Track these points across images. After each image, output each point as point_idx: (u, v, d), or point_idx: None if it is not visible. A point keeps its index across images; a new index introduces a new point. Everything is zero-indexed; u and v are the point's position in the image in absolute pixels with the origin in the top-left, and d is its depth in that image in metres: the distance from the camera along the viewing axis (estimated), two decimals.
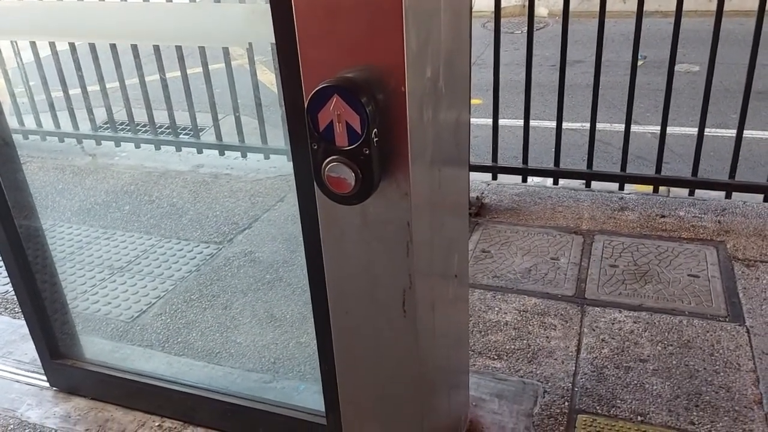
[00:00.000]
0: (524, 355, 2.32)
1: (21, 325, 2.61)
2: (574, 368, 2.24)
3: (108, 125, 4.60)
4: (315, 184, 1.28)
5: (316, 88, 1.18)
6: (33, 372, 2.38)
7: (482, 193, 3.42)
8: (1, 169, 1.99)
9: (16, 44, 4.61)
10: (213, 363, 2.40)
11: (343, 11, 1.17)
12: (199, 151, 4.41)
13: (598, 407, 2.07)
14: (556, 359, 2.28)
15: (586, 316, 2.50)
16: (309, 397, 2.13)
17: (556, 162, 3.41)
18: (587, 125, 3.34)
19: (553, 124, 3.43)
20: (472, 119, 3.24)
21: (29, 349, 2.43)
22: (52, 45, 4.30)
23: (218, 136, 4.37)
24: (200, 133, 4.51)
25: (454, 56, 1.51)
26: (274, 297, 2.83)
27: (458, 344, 1.95)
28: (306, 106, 1.21)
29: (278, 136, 4.22)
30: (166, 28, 1.47)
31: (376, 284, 1.42)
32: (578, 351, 2.31)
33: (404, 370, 1.52)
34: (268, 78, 5.45)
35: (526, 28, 3.22)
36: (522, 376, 2.21)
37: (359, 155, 1.20)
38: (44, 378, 2.32)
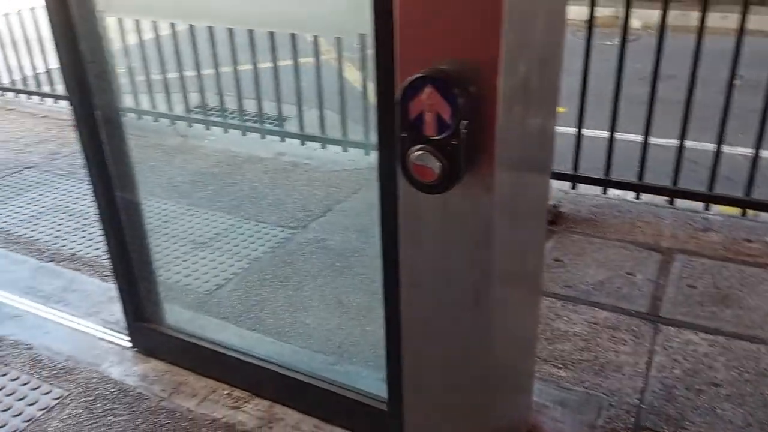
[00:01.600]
0: (591, 366, 2.28)
1: (109, 288, 2.80)
2: (642, 385, 2.18)
3: (200, 109, 4.82)
4: (400, 172, 1.32)
5: (411, 78, 1.22)
6: (117, 332, 2.54)
7: (559, 201, 3.37)
8: (109, 143, 2.14)
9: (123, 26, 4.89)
10: (281, 340, 2.49)
11: (443, 5, 1.20)
12: (282, 140, 4.55)
13: (664, 426, 2.01)
14: (624, 374, 2.23)
15: (659, 334, 2.43)
16: (371, 383, 2.18)
17: (640, 176, 3.32)
18: (674, 141, 3.24)
19: (638, 138, 3.34)
20: (556, 127, 3.20)
21: (115, 311, 2.60)
22: (156, 29, 4.55)
23: (301, 126, 4.50)
24: (284, 123, 4.66)
25: (548, 59, 1.52)
26: (342, 284, 2.90)
27: (526, 347, 1.94)
28: (398, 95, 1.25)
29: (358, 130, 4.30)
30: (273, 13, 1.55)
31: (451, 276, 1.45)
32: (648, 368, 2.26)
33: (472, 365, 1.53)
34: (353, 75, 5.55)
35: (618, 39, 3.16)
36: (587, 388, 2.18)
37: (447, 146, 1.23)
38: (127, 339, 2.47)
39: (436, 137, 1.23)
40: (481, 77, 1.21)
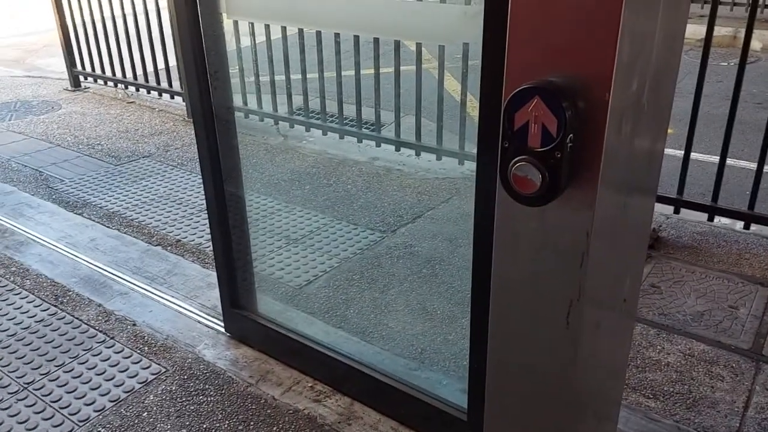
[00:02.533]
0: (683, 400, 2.17)
1: (208, 275, 2.96)
2: (738, 425, 2.05)
3: (302, 111, 5.01)
4: (498, 182, 1.33)
5: (518, 88, 1.22)
6: (213, 317, 2.68)
7: (660, 225, 3.24)
8: (221, 139, 2.27)
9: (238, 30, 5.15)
10: (365, 340, 2.53)
11: (557, 18, 1.20)
12: (378, 145, 4.64)
13: None
14: (718, 411, 2.11)
15: (760, 373, 2.28)
16: (451, 392, 2.18)
17: (751, 205, 3.12)
18: None
19: (752, 165, 3.15)
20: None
21: (212, 297, 2.75)
22: (267, 32, 4.76)
23: (397, 133, 4.57)
24: (381, 129, 4.75)
25: (661, 78, 1.47)
26: (428, 291, 2.91)
27: (614, 374, 1.88)
28: (505, 104, 1.25)
29: (452, 140, 4.31)
30: (386, 22, 1.60)
31: (543, 291, 1.43)
32: (746, 408, 2.12)
33: (557, 386, 1.50)
34: (453, 85, 5.57)
35: (735, 60, 3.00)
36: (677, 421, 2.08)
37: (550, 158, 1.22)
38: (221, 324, 2.61)
39: (540, 149, 1.23)
40: (591, 92, 1.19)
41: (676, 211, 3.29)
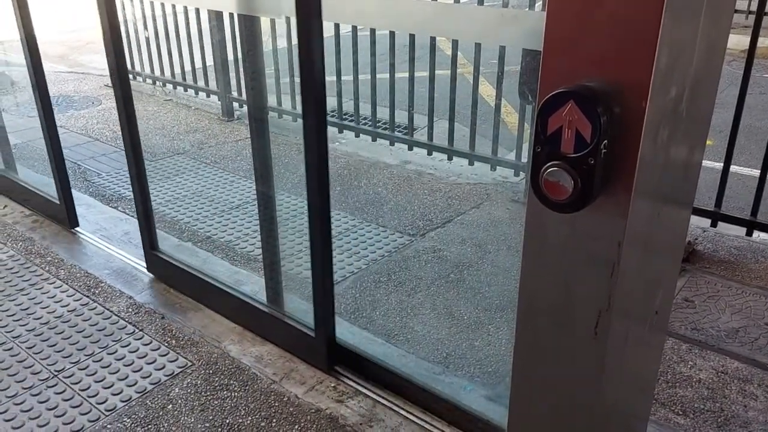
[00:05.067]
0: (714, 418, 2.11)
1: (236, 272, 2.99)
2: None
3: (335, 113, 5.03)
4: (530, 187, 1.31)
5: (553, 92, 1.20)
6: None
7: (696, 238, 3.16)
8: (254, 138, 2.28)
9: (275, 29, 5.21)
10: (390, 342, 2.53)
11: (594, 22, 1.17)
12: (410, 148, 4.64)
13: None
14: (750, 431, 2.05)
15: None
16: (475, 398, 2.16)
17: None
18: None
19: None
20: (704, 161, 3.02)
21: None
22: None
23: (430, 137, 4.56)
24: (414, 132, 4.75)
25: (701, 87, 1.44)
26: (454, 296, 2.89)
27: (643, 387, 1.84)
28: (538, 108, 1.24)
29: (486, 145, 4.29)
30: (438, 22, 1.65)
31: (571, 300, 1.40)
32: None
33: (582, 396, 1.47)
34: (487, 90, 5.54)
35: None
36: None
37: (583, 164, 1.20)
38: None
39: (573, 154, 1.20)
40: (628, 98, 1.17)
41: (714, 225, 3.21)
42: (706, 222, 3.22)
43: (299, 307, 2.61)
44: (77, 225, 3.41)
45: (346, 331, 2.52)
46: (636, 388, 1.74)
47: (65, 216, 3.36)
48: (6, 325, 2.66)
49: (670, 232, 1.58)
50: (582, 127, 1.19)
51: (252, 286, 2.72)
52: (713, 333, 2.53)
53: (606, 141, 1.19)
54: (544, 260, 1.39)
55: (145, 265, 3.02)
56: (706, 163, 3.75)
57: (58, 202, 3.35)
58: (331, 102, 5.01)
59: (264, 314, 2.53)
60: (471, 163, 4.34)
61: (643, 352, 1.70)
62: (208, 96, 5.77)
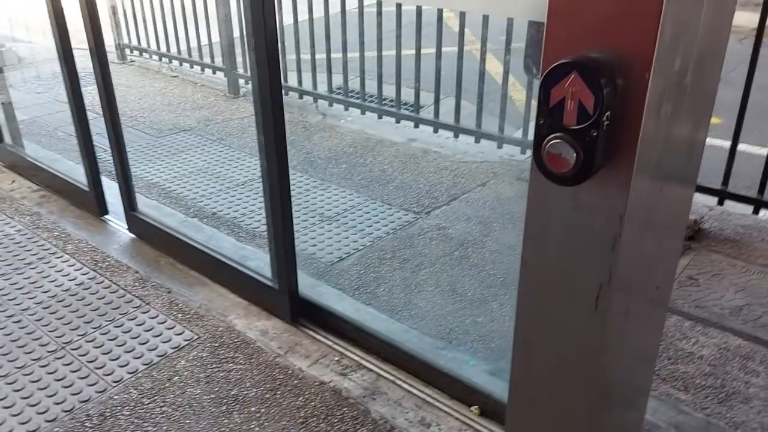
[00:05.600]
0: (715, 394, 2.12)
1: (242, 247, 3.02)
2: None
3: (341, 90, 5.01)
4: (532, 160, 1.30)
5: (555, 63, 1.19)
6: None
7: (702, 217, 3.15)
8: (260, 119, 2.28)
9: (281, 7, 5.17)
10: (393, 318, 2.54)
11: None
12: (416, 126, 4.62)
13: None
14: (752, 407, 2.06)
15: None
16: (476, 373, 2.18)
17: None
18: None
19: None
20: (707, 139, 2.99)
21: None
22: (310, 11, 4.77)
23: (436, 114, 4.54)
24: (420, 110, 4.72)
25: (705, 61, 1.42)
26: (459, 273, 2.90)
27: (644, 362, 1.85)
28: (541, 79, 1.23)
29: (493, 123, 4.26)
30: None
31: (572, 273, 1.41)
32: None
33: (582, 369, 1.48)
34: (495, 67, 5.49)
35: None
36: (708, 415, 2.04)
37: (585, 136, 1.20)
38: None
39: (575, 126, 1.20)
40: (631, 70, 1.16)
41: (720, 203, 3.20)
42: (713, 200, 3.20)
43: (304, 283, 2.63)
44: (107, 213, 3.31)
45: (350, 307, 2.55)
46: (636, 361, 1.75)
47: (94, 203, 3.28)
48: (14, 298, 2.69)
49: (672, 208, 1.57)
50: (585, 98, 1.18)
51: (257, 261, 2.73)
52: (717, 311, 2.54)
53: (609, 113, 1.18)
54: (545, 233, 1.40)
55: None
56: (714, 141, 3.73)
57: (87, 189, 3.29)
58: (337, 79, 5.00)
59: (269, 289, 2.55)
60: (477, 141, 4.32)
61: (644, 327, 1.71)
62: (214, 72, 5.75)
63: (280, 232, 2.39)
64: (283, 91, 5.17)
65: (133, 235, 3.13)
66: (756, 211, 3.14)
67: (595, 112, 1.17)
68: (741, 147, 3.17)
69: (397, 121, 4.71)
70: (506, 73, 4.14)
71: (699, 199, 3.22)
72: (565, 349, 1.49)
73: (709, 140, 1.63)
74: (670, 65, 1.23)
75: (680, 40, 1.23)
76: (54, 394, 2.19)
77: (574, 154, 1.21)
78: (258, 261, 2.73)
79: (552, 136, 1.23)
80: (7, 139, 3.87)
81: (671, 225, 1.63)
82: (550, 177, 1.27)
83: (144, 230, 3.06)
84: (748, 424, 2.00)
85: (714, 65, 1.49)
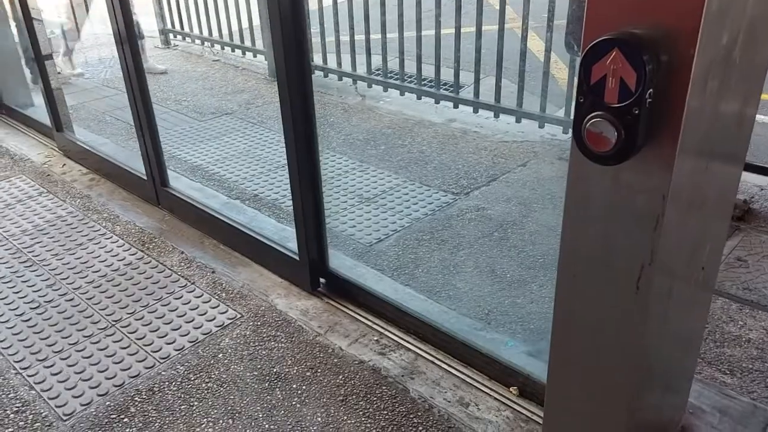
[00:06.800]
0: (763, 378, 2.07)
1: (282, 228, 3.05)
2: None
3: (380, 71, 5.00)
4: (572, 139, 1.28)
5: (596, 40, 1.17)
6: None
7: (752, 197, 3.04)
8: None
9: None
10: (432, 299, 2.55)
11: None
12: (455, 106, 4.58)
13: None
14: None
15: None
16: (515, 354, 2.17)
17: None
18: None
19: None
20: (759, 116, 2.88)
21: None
22: None
23: (476, 94, 4.49)
24: (460, 90, 4.68)
25: (758, 30, 1.37)
26: (498, 254, 2.89)
27: (688, 345, 1.81)
28: (582, 57, 1.20)
29: (534, 102, 4.19)
30: None
31: (613, 253, 1.38)
32: None
33: (622, 352, 1.46)
34: (537, 45, 5.38)
35: None
36: (755, 399, 1.99)
37: (627, 114, 1.17)
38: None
39: (617, 104, 1.17)
40: (675, 46, 1.12)
41: None
42: (765, 180, 3.09)
43: (344, 263, 2.67)
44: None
45: (388, 287, 2.56)
46: (680, 344, 1.72)
47: (153, 195, 3.30)
48: (67, 277, 2.80)
49: (718, 187, 1.53)
50: (627, 75, 1.15)
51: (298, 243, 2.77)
52: (766, 293, 2.46)
53: (651, 90, 1.15)
54: (586, 213, 1.38)
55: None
56: (764, 117, 3.58)
57: (144, 177, 3.29)
58: (375, 60, 4.99)
59: (294, 262, 2.59)
60: (518, 121, 4.26)
61: (688, 309, 1.67)
62: (255, 56, 5.80)
63: (299, 204, 2.49)
64: (323, 73, 5.21)
65: (179, 218, 3.21)
66: None
67: (638, 90, 1.14)
68: None
69: (437, 102, 4.68)
70: (548, 51, 4.06)
71: (749, 178, 3.12)
72: (606, 331, 1.47)
73: (761, 117, 1.57)
74: (717, 39, 1.18)
75: (728, 12, 1.19)
76: (105, 370, 2.28)
77: (615, 133, 1.18)
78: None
79: (593, 114, 1.21)
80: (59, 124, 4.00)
81: (717, 205, 1.59)
82: (591, 156, 1.25)
83: (188, 212, 3.14)
84: None
85: (767, 36, 1.43)
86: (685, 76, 1.14)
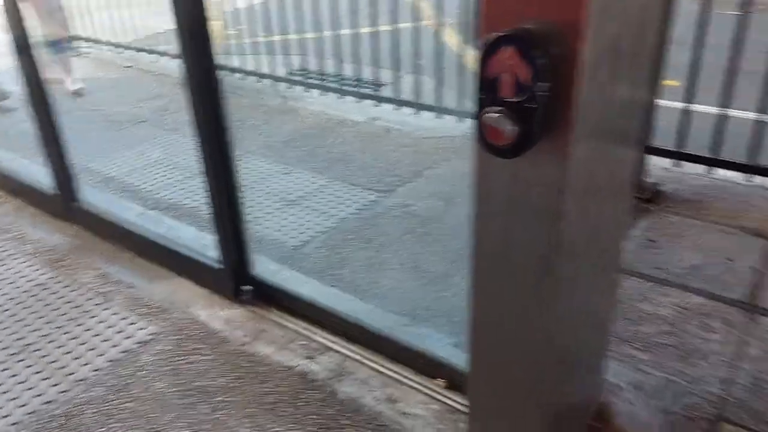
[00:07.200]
0: (674, 352, 2.17)
1: (203, 237, 2.96)
2: (729, 376, 2.05)
3: (301, 71, 4.95)
4: (475, 134, 1.30)
5: (491, 37, 1.18)
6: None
7: (660, 179, 3.19)
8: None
9: None
10: (358, 298, 2.55)
11: None
12: (377, 104, 4.59)
13: (747, 420, 1.89)
14: (710, 363, 2.11)
15: (754, 325, 2.27)
16: (442, 346, 2.19)
17: (751, 156, 3.06)
18: None
19: (762, 117, 3.08)
20: (667, 102, 3.02)
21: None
22: None
23: (397, 91, 4.51)
24: (380, 88, 4.69)
25: (645, 23, 1.42)
26: (422, 250, 2.91)
27: (598, 326, 1.88)
28: (479, 54, 1.22)
29: (453, 97, 4.25)
30: None
31: (516, 246, 1.41)
32: (738, 359, 2.12)
33: (536, 337, 1.50)
34: (453, 40, 5.46)
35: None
36: (667, 373, 2.08)
37: (522, 109, 1.19)
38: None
39: (512, 99, 1.20)
40: (564, 39, 1.15)
41: (676, 165, 3.24)
42: (670, 162, 3.25)
43: (267, 268, 2.62)
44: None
45: (315, 290, 2.54)
46: (591, 326, 1.78)
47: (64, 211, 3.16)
48: None
49: (617, 171, 1.59)
50: (520, 71, 1.17)
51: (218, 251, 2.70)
52: (676, 271, 2.59)
53: (546, 84, 1.18)
54: (489, 206, 1.40)
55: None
56: (671, 103, 3.77)
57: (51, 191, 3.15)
58: (296, 60, 4.93)
59: (214, 270, 2.53)
60: (439, 117, 4.31)
61: (596, 292, 1.73)
62: (171, 59, 5.63)
63: (217, 212, 2.43)
64: (241, 75, 5.10)
65: (92, 233, 3.06)
66: (711, 171, 3.18)
67: (531, 84, 1.16)
68: (698, 108, 3.20)
69: (358, 101, 4.67)
70: (464, 46, 4.12)
71: (657, 161, 3.26)
72: (510, 323, 1.50)
73: (666, 102, 1.63)
74: (604, 33, 1.22)
75: (614, 7, 1.23)
76: (16, 398, 2.15)
77: (512, 127, 1.20)
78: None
79: (490, 108, 1.23)
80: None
81: (617, 189, 1.64)
82: (491, 150, 1.27)
83: (101, 226, 3.00)
84: (707, 379, 2.05)
85: (650, 29, 1.50)
86: (573, 70, 1.17)
